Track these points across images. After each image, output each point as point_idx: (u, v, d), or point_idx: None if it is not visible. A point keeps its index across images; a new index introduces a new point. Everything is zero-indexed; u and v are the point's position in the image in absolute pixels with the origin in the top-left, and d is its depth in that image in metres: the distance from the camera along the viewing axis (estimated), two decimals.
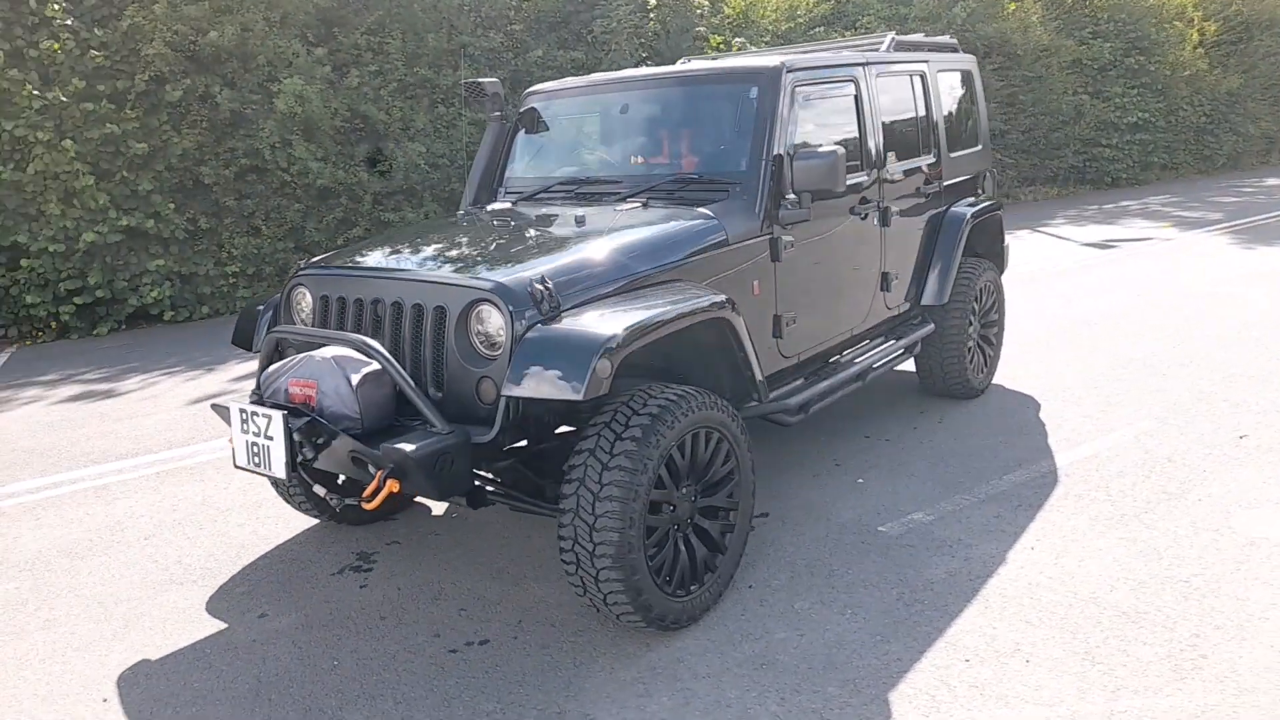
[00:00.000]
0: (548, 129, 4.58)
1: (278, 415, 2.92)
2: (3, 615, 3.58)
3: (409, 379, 2.97)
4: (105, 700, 3.00)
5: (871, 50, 4.91)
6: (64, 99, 9.31)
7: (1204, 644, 2.98)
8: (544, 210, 4.09)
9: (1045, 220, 13.52)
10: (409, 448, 2.80)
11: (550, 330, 2.90)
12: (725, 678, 2.95)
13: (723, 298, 3.31)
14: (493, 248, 3.62)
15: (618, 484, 2.88)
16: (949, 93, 5.38)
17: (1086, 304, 7.88)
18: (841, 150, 3.74)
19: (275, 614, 3.49)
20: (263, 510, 4.40)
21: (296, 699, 2.95)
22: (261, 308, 3.78)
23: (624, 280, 3.24)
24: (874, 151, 4.49)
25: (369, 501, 2.86)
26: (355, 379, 2.95)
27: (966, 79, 5.61)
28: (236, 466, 3.13)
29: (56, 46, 9.35)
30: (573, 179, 4.31)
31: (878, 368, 4.61)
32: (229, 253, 10.49)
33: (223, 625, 3.44)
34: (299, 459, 2.98)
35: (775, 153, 3.80)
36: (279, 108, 10.17)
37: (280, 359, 3.30)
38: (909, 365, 5.43)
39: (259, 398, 3.19)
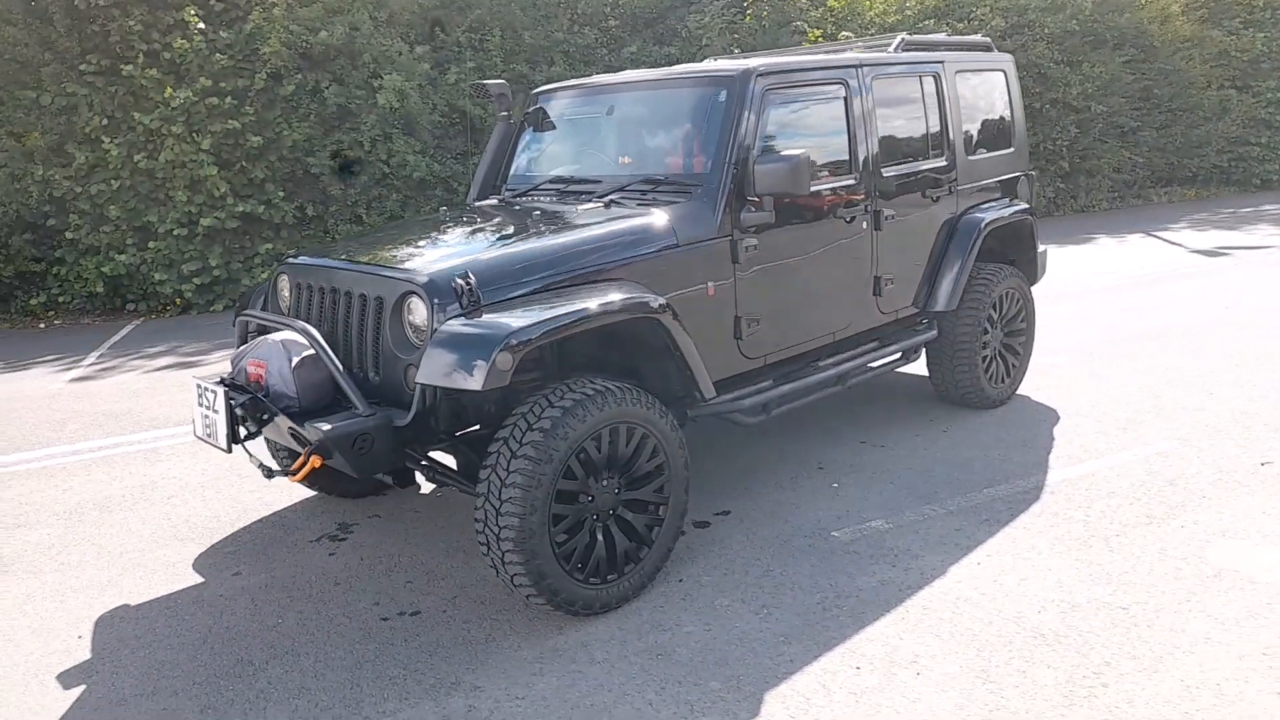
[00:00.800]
0: (554, 128, 4.75)
1: (221, 392, 3.23)
2: (28, 557, 4.08)
3: (338, 364, 3.22)
4: (80, 637, 3.39)
5: (878, 51, 4.85)
6: (193, 96, 10.15)
7: (1111, 673, 2.88)
8: (519, 208, 4.27)
9: (1166, 224, 12.71)
10: (326, 427, 3.04)
11: (462, 323, 3.08)
12: (619, 664, 3.06)
13: (652, 298, 3.40)
14: (442, 243, 3.84)
15: (522, 472, 3.04)
16: (973, 94, 5.22)
17: (1164, 315, 7.44)
18: (804, 154, 3.75)
19: (248, 573, 3.84)
20: (276, 479, 4.78)
21: (233, 651, 3.25)
22: (255, 293, 4.12)
23: (554, 277, 3.38)
24: (865, 154, 4.44)
25: (295, 475, 3.13)
26: (294, 362, 3.22)
27: (998, 80, 5.43)
28: (195, 436, 3.47)
29: (188, 47, 10.19)
30: (561, 178, 4.47)
31: (862, 372, 4.58)
32: (334, 238, 11.17)
33: (200, 580, 3.80)
34: (242, 434, 3.27)
35: (739, 157, 3.85)
36: (380, 103, 10.77)
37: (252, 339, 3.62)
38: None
39: (226, 376, 3.52)
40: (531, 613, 3.40)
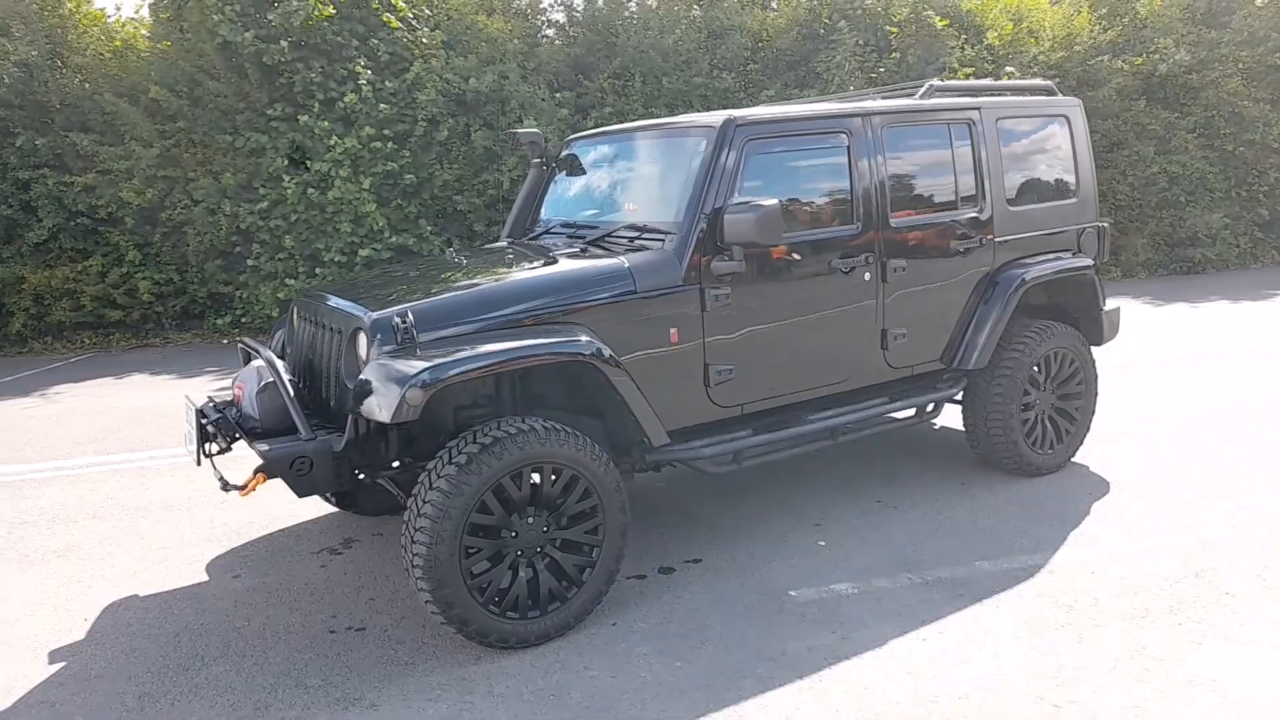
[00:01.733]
0: (582, 173, 4.94)
1: (194, 410, 3.61)
2: (87, 546, 4.66)
3: (289, 390, 3.52)
4: (85, 619, 3.86)
5: (900, 98, 4.69)
6: (357, 144, 11.18)
7: None
8: (516, 250, 4.47)
9: None
10: (265, 448, 3.34)
11: (388, 359, 3.29)
12: (511, 700, 3.14)
13: (586, 344, 3.48)
14: (415, 282, 4.09)
15: (433, 503, 3.20)
16: (1022, 142, 4.93)
17: None
18: (775, 205, 3.72)
19: (245, 576, 4.22)
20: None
21: (195, 646, 3.60)
22: (281, 321, 4.54)
23: (495, 319, 3.53)
24: (870, 204, 4.31)
25: (242, 490, 3.44)
26: (257, 387, 3.55)
27: (1057, 127, 5.09)
28: (185, 447, 3.88)
29: (356, 99, 11.24)
30: (570, 223, 4.63)
31: (863, 427, 4.42)
32: None
33: (204, 579, 4.22)
34: (214, 449, 3.63)
35: (713, 206, 3.86)
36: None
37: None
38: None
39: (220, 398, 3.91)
40: (458, 640, 3.53)
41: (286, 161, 11.39)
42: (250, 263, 11.55)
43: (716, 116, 4.08)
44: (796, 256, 4.13)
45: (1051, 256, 4.99)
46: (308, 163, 11.29)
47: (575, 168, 4.94)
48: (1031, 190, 5.00)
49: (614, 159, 4.64)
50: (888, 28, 12.36)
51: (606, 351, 3.53)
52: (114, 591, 4.12)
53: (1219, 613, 3.50)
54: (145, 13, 12.28)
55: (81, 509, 5.18)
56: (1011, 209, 4.83)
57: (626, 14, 12.70)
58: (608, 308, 3.71)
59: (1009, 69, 12.51)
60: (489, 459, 3.25)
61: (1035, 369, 4.85)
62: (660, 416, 3.82)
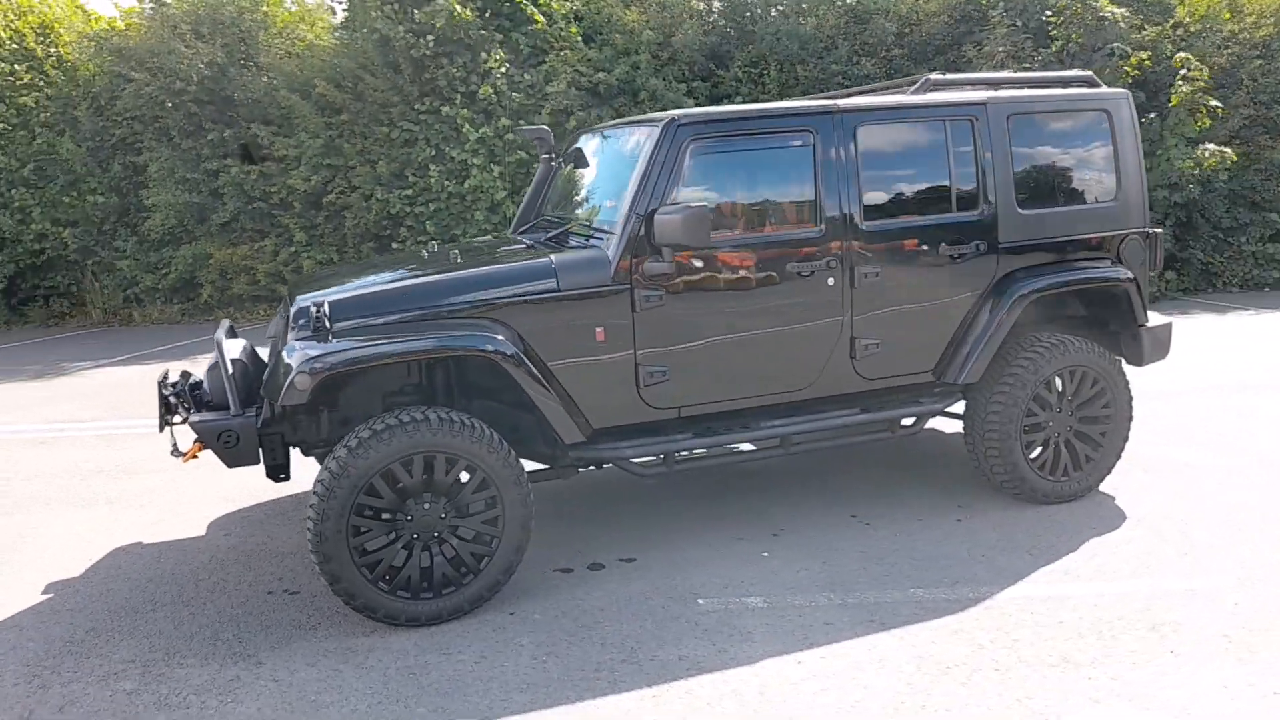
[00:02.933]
0: (587, 166, 5.00)
1: (157, 382, 4.02)
2: (130, 496, 5.28)
3: (227, 368, 3.83)
4: (89, 560, 4.40)
5: (892, 94, 4.40)
6: (490, 133, 11.74)
7: None
8: (481, 243, 4.60)
9: None
10: (197, 419, 3.68)
11: (297, 345, 3.53)
12: (373, 675, 3.30)
13: (489, 340, 3.57)
14: (366, 273, 4.30)
15: (323, 482, 3.42)
16: (1043, 138, 4.48)
17: None
18: (701, 207, 3.66)
19: (233, 535, 4.66)
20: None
21: (154, 593, 4.03)
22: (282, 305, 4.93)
23: (416, 313, 3.68)
24: (837, 206, 4.10)
25: (184, 457, 3.81)
26: (208, 365, 3.91)
27: (1094, 122, 4.58)
28: None
29: (490, 91, 11.79)
30: (553, 219, 4.71)
31: (826, 438, 4.24)
32: None
33: (200, 534, 4.68)
34: (176, 419, 4.02)
35: (648, 206, 3.83)
36: None
37: None
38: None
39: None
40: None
41: (434, 152, 12.12)
42: (395, 245, 12.39)
43: (666, 115, 4.02)
44: (744, 259, 4.01)
45: (1077, 265, 4.53)
46: (448, 152, 11.97)
47: (578, 162, 5.01)
48: (1055, 192, 4.56)
49: (603, 154, 4.67)
50: (1045, 15, 11.43)
51: (510, 349, 3.60)
52: (127, 537, 4.67)
53: (1146, 672, 3.11)
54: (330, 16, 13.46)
55: (150, 463, 5.85)
56: (1024, 212, 4.43)
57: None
58: (529, 304, 3.78)
59: (1181, 54, 11.14)
60: (377, 445, 3.43)
61: (1045, 388, 4.43)
62: (589, 414, 3.86)
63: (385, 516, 3.56)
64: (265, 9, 13.21)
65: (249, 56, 12.79)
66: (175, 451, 3.91)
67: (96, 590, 4.07)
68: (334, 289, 3.86)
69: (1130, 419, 4.63)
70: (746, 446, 4.61)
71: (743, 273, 4.02)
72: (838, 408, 4.30)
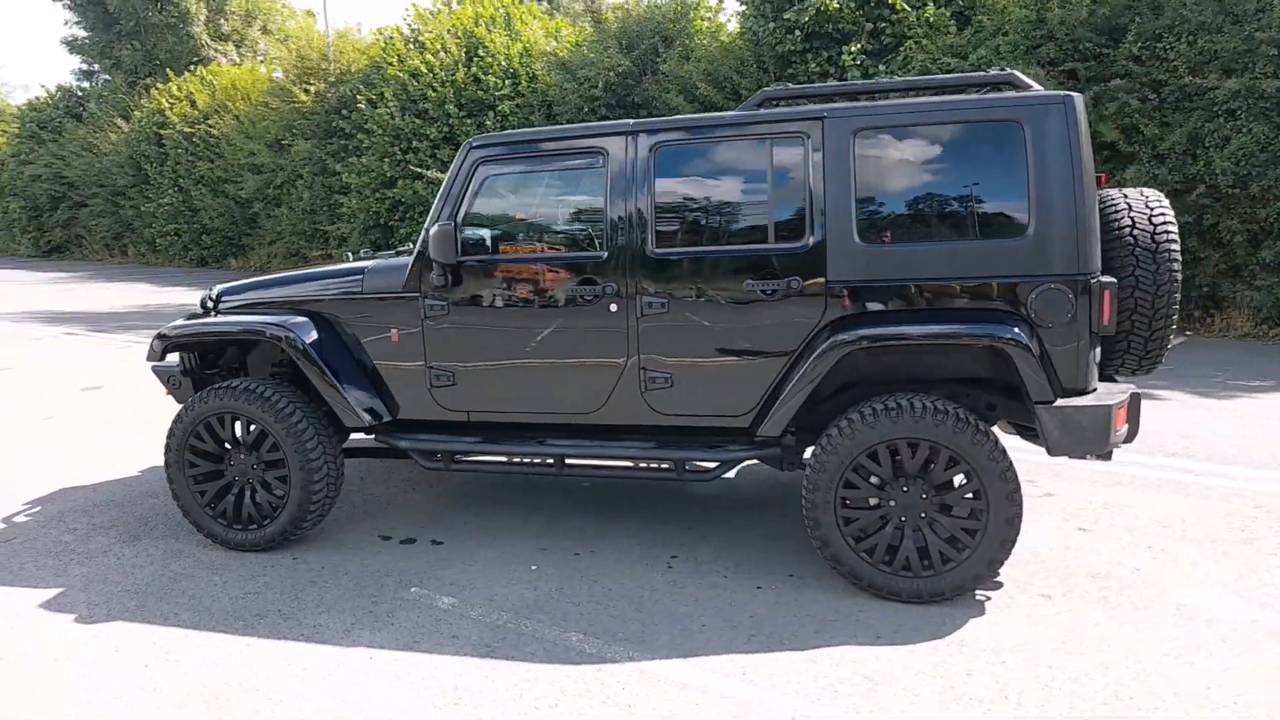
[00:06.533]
0: None
1: None
2: None
3: None
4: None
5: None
6: None
7: None
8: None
9: None
10: (154, 365, 5.02)
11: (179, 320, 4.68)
12: (208, 598, 4.22)
13: (278, 328, 4.31)
14: (292, 268, 5.20)
15: (170, 433, 4.53)
16: (911, 156, 3.57)
17: None
18: (448, 225, 3.98)
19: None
20: None
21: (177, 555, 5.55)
22: None
23: (270, 301, 4.58)
24: (625, 232, 3.89)
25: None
26: None
27: (1001, 137, 3.48)
28: None
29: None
30: None
31: (613, 471, 4.13)
32: None
33: None
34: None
35: (440, 222, 4.17)
36: None
37: None
38: None
39: None
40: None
41: None
42: None
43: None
44: (528, 277, 4.10)
45: (946, 316, 3.62)
46: None
47: None
48: (922, 223, 3.66)
49: None
50: None
51: (299, 339, 4.29)
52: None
53: None
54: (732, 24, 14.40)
55: None
56: (866, 247, 3.67)
57: None
58: (337, 302, 4.44)
59: None
60: (198, 405, 4.42)
61: (870, 459, 3.66)
62: (391, 404, 4.40)
63: (215, 461, 4.56)
64: (686, 21, 14.55)
65: (655, 64, 14.31)
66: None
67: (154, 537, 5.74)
68: (230, 282, 4.93)
69: (1015, 514, 3.56)
70: None
71: (527, 291, 4.12)
72: (631, 438, 4.13)
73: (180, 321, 4.68)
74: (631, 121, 4.03)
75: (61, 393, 8.35)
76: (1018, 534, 3.61)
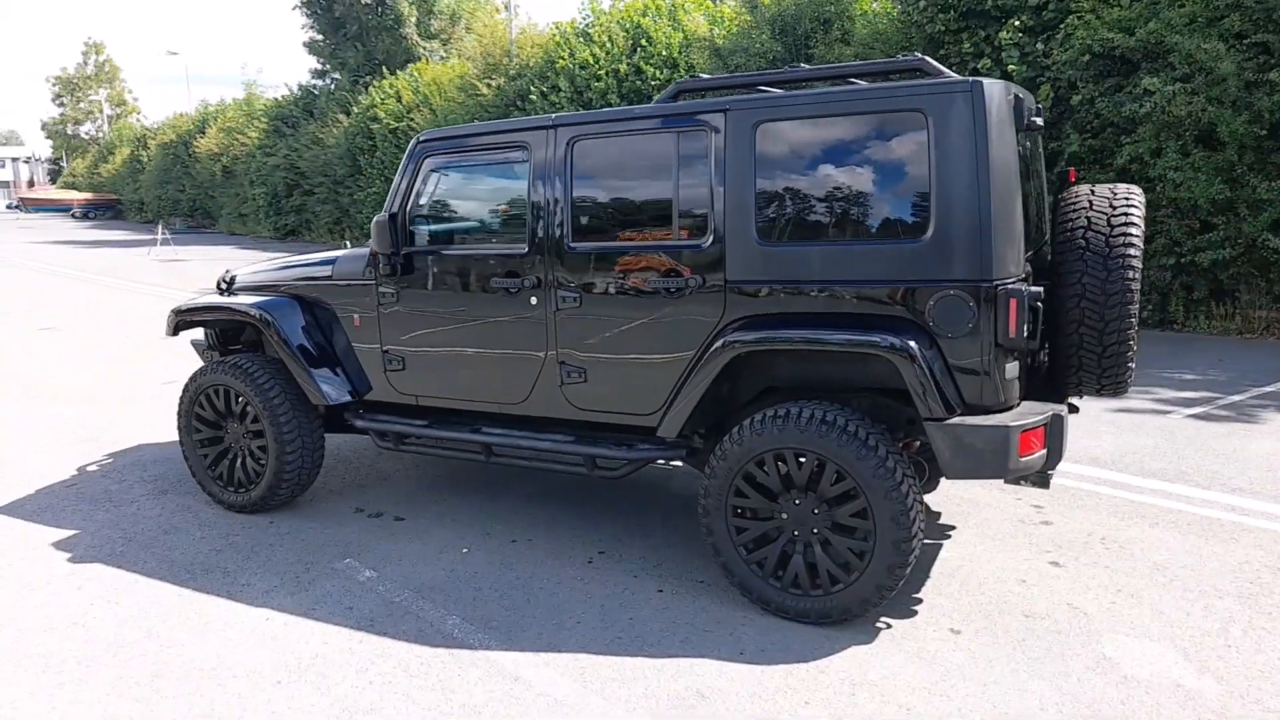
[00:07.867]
0: None
1: None
2: None
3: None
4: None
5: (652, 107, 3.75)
6: None
7: None
8: None
9: None
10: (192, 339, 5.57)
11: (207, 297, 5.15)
12: (179, 551, 4.79)
13: (255, 309, 4.66)
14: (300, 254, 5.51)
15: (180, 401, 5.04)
16: (813, 151, 3.31)
17: None
18: (376, 219, 4.18)
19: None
20: None
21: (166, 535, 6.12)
22: None
23: (273, 284, 4.94)
24: (544, 226, 3.89)
25: None
26: None
27: (905, 128, 3.15)
28: None
29: (989, 63, 10.88)
30: None
31: (525, 456, 4.17)
32: None
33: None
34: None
35: (390, 213, 4.35)
36: (1143, 110, 9.39)
37: None
38: None
39: None
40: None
41: None
42: None
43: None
44: (462, 269, 4.21)
45: (836, 322, 3.37)
46: None
47: None
48: (822, 222, 3.40)
49: None
50: None
51: (272, 320, 4.61)
52: None
53: None
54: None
55: None
56: (764, 246, 3.47)
57: None
58: (312, 286, 4.73)
59: None
60: (201, 379, 4.84)
61: (757, 466, 3.48)
62: (358, 384, 4.66)
63: (214, 427, 5.00)
64: (848, 2, 14.02)
65: (808, 49, 13.90)
66: None
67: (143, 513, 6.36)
68: (249, 265, 5.35)
69: (903, 538, 3.28)
70: None
71: (460, 282, 4.22)
72: (554, 431, 4.15)
73: (190, 300, 5.17)
74: (553, 116, 4.02)
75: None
76: (906, 561, 3.32)
